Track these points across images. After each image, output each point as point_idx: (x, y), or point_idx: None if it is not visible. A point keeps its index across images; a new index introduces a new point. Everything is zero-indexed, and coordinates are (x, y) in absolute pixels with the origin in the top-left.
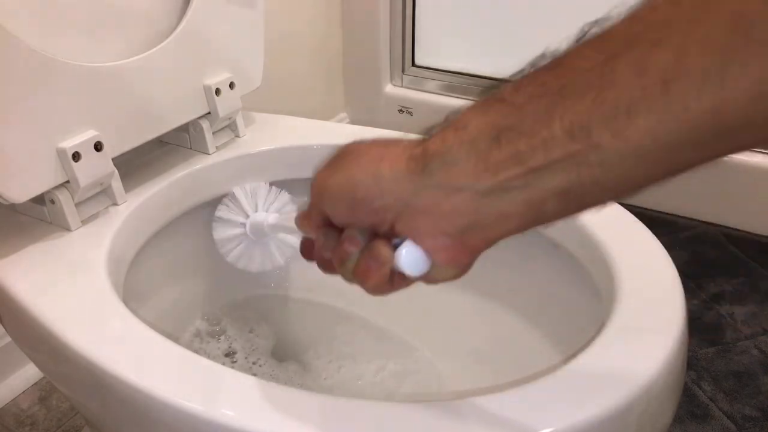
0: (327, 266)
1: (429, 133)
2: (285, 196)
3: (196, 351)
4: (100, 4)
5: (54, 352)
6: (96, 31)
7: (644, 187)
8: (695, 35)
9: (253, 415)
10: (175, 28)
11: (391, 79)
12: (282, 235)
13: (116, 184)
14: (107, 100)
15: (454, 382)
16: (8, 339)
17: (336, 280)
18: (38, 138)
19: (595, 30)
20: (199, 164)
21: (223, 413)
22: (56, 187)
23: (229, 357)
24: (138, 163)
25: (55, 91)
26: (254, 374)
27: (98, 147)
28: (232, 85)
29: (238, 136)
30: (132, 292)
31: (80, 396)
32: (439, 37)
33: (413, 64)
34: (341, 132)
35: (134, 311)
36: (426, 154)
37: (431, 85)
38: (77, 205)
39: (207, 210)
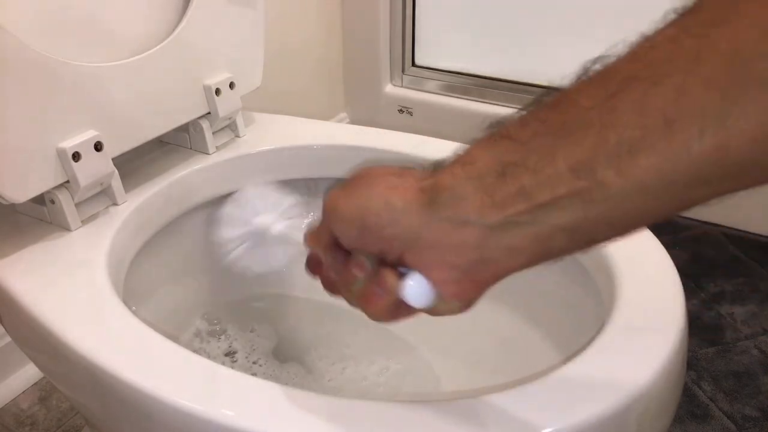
0: (331, 287)
1: (440, 165)
2: (291, 199)
3: (197, 350)
4: (100, 4)
5: (54, 352)
6: (96, 31)
7: (652, 221)
8: (695, 74)
9: (253, 415)
10: (175, 28)
11: (391, 79)
12: (287, 238)
13: (116, 184)
14: (107, 100)
15: (455, 382)
16: (8, 339)
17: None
18: (38, 138)
19: (596, 67)
20: (199, 164)
21: (223, 413)
22: (56, 187)
23: (229, 356)
24: (138, 163)
25: (55, 91)
26: (254, 374)
27: (98, 147)
28: (232, 85)
29: (238, 136)
30: (132, 292)
31: (80, 396)
32: (439, 37)
33: (413, 64)
34: (341, 132)
35: (134, 311)
36: (435, 187)
37: (431, 85)
38: (77, 205)
39: (207, 210)
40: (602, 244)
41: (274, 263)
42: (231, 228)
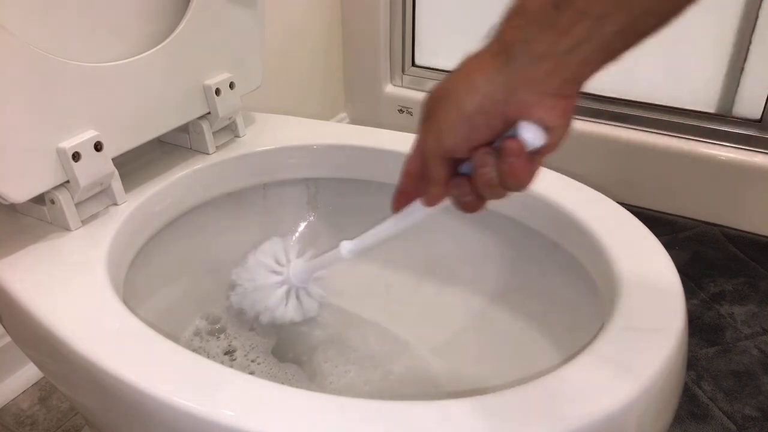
0: (468, 205)
1: (498, 26)
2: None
3: (196, 350)
4: (101, 3)
5: (54, 352)
6: (96, 31)
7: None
8: None
9: (253, 415)
10: (175, 28)
11: (391, 79)
12: (315, 280)
13: (116, 184)
14: (107, 100)
15: (455, 382)
16: (8, 339)
17: (337, 280)
18: (38, 138)
19: None
20: (199, 164)
21: (223, 413)
22: (56, 187)
23: (228, 355)
24: (138, 163)
25: (55, 90)
26: (252, 372)
27: (98, 147)
28: (232, 85)
29: (238, 136)
30: (132, 291)
31: (80, 396)
32: (439, 37)
33: (413, 64)
34: (341, 132)
35: (134, 311)
36: (504, 47)
37: (431, 85)
38: (77, 205)
39: (207, 210)
40: (648, 37)
41: (314, 307)
42: (269, 293)
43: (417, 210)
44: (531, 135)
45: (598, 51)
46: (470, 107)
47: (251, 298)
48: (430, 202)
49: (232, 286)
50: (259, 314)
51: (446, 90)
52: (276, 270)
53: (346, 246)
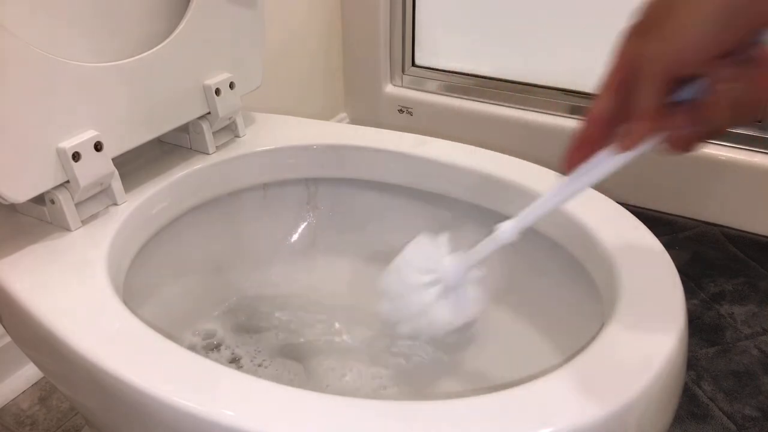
0: (685, 141)
1: None
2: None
3: (196, 351)
4: (101, 3)
5: (54, 352)
6: (96, 31)
7: None
8: None
9: (253, 415)
10: (175, 28)
11: (391, 79)
12: (472, 281)
13: (116, 184)
14: (107, 100)
15: (455, 382)
16: (8, 339)
17: (338, 279)
18: (38, 138)
19: None
20: (199, 164)
21: (223, 413)
22: (56, 187)
23: (234, 363)
24: (138, 163)
25: (55, 90)
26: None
27: (98, 147)
28: (232, 85)
29: (238, 136)
30: (132, 291)
31: (80, 396)
32: (439, 37)
33: (413, 64)
34: (341, 132)
35: (134, 311)
36: None
37: (431, 85)
38: (77, 205)
39: (207, 210)
40: None
41: (476, 308)
42: (423, 293)
43: (601, 163)
44: None
45: None
46: None
47: (402, 303)
48: (634, 142)
49: (383, 295)
50: (412, 321)
51: None
52: (429, 269)
53: (505, 227)
